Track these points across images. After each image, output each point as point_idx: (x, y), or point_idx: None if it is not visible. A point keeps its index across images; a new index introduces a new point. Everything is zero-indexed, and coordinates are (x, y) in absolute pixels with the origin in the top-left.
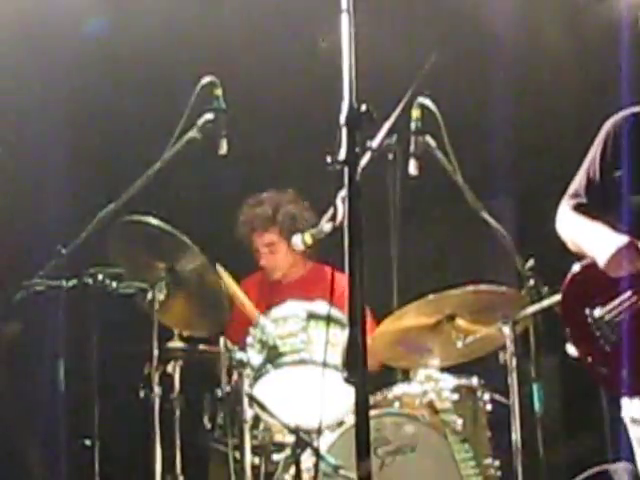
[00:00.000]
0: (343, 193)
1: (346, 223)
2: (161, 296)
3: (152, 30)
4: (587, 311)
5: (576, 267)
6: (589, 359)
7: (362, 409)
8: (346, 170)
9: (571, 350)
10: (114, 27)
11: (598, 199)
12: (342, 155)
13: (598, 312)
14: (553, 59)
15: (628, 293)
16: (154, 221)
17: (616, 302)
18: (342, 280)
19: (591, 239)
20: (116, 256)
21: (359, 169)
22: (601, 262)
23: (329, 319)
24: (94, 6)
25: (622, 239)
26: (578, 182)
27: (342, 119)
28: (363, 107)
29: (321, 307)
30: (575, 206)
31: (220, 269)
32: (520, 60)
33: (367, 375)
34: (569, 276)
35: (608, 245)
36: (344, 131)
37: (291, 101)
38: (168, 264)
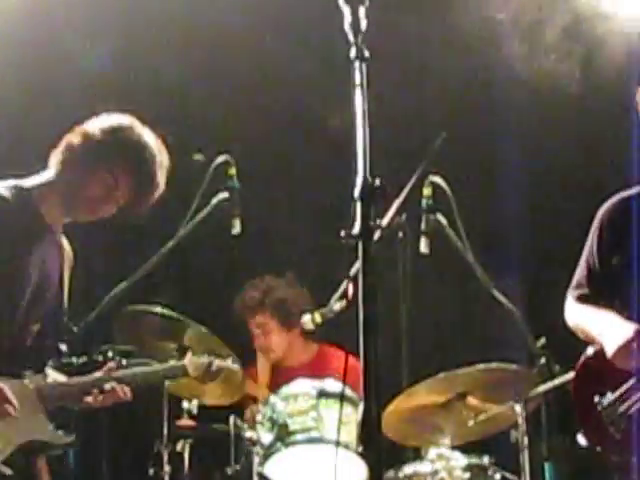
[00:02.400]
0: (354, 270)
1: (361, 298)
2: None
3: (165, 107)
4: (597, 399)
5: (590, 351)
6: (599, 448)
7: None
8: (360, 244)
9: (581, 439)
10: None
11: (600, 287)
12: (356, 229)
13: (608, 400)
14: (566, 137)
15: (633, 380)
16: (159, 309)
17: (624, 389)
18: (351, 360)
19: (598, 330)
20: (123, 338)
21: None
22: (609, 353)
23: (342, 397)
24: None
25: (629, 330)
26: (580, 272)
27: (356, 193)
28: (377, 181)
29: (331, 385)
30: (579, 297)
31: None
32: (531, 139)
33: (381, 452)
34: (582, 359)
35: (615, 336)
36: (358, 205)
37: (302, 179)
38: (177, 343)
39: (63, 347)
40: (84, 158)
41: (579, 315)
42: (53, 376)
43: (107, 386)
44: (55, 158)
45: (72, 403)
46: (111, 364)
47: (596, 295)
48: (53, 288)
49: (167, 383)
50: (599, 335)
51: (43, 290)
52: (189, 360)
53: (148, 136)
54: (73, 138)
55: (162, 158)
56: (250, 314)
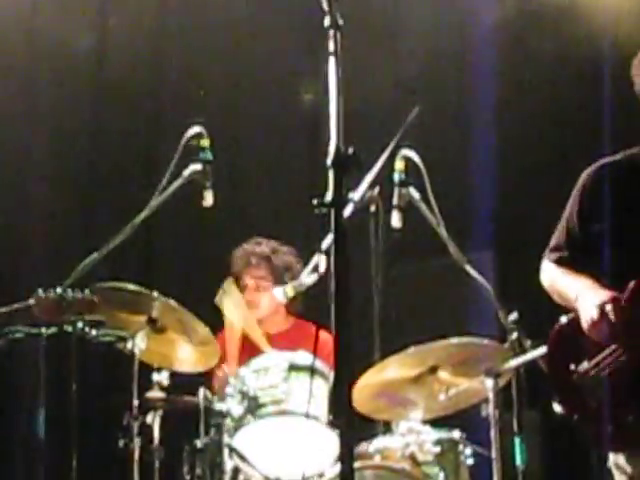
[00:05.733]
0: (326, 244)
1: (333, 267)
2: (142, 345)
3: (139, 77)
4: (572, 367)
5: (563, 319)
6: (575, 416)
7: (347, 456)
8: (333, 213)
9: (557, 408)
10: (99, 78)
11: (579, 252)
12: (329, 197)
13: (583, 367)
14: (535, 110)
15: (612, 347)
16: (131, 287)
17: (600, 357)
18: (324, 335)
19: (574, 293)
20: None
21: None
22: (584, 321)
23: (312, 370)
24: (80, 45)
25: (604, 296)
26: (559, 235)
27: (329, 161)
28: (350, 150)
29: (302, 358)
30: (557, 260)
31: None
32: (504, 111)
33: (352, 421)
34: (555, 328)
35: (591, 301)
36: (331, 173)
37: (275, 148)
38: (146, 315)
39: None
40: None
41: (557, 277)
42: None
43: None
44: None
45: None
46: None
47: (574, 260)
48: None
49: (137, 354)
50: (575, 299)
51: None
52: (35, 296)
53: None
54: None
55: None
56: (250, 266)
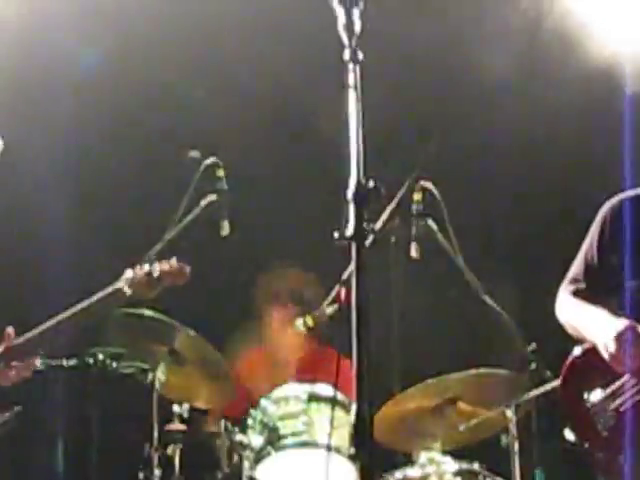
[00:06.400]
0: (346, 274)
1: (353, 301)
2: (162, 377)
3: (154, 113)
4: (585, 395)
5: (577, 351)
6: (586, 444)
7: None
8: (354, 247)
9: (569, 435)
10: (116, 104)
11: (597, 284)
12: (349, 231)
13: (596, 396)
14: (557, 141)
15: (626, 377)
16: (149, 312)
17: (614, 387)
18: (344, 364)
19: (590, 325)
20: (115, 343)
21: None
22: (601, 348)
23: (334, 401)
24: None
25: (620, 325)
26: (577, 267)
27: (349, 195)
28: (371, 183)
29: (322, 389)
30: (574, 291)
31: None
32: (523, 145)
33: (373, 454)
34: (569, 359)
35: (607, 331)
36: (351, 207)
37: (293, 180)
38: (168, 346)
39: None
40: None
41: (572, 310)
42: None
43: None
44: None
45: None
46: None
47: (592, 291)
48: None
49: (157, 386)
50: (590, 331)
51: None
52: (123, 278)
53: None
54: None
55: None
56: (280, 304)
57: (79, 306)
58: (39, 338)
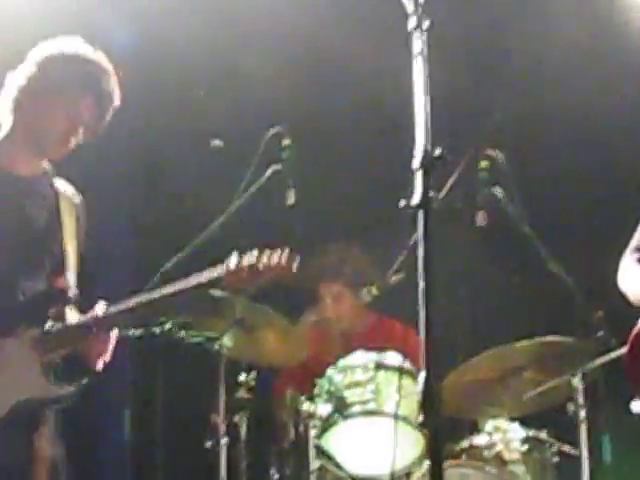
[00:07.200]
0: (411, 243)
1: (420, 269)
2: (230, 344)
3: (217, 80)
4: None
5: None
6: None
7: (436, 455)
8: (420, 215)
9: (636, 407)
10: (177, 80)
11: None
12: (416, 199)
13: None
14: (618, 110)
15: None
16: (217, 293)
17: None
18: (408, 333)
19: None
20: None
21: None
22: None
23: (401, 370)
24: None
25: None
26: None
27: (416, 163)
28: (437, 151)
29: (390, 357)
30: (638, 260)
31: None
32: (587, 111)
33: (442, 422)
34: (636, 328)
35: None
36: (418, 175)
37: (358, 149)
38: (232, 317)
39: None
40: (39, 94)
41: (635, 277)
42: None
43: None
44: (5, 107)
45: (72, 349)
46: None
47: None
48: (44, 240)
49: (225, 351)
50: None
51: (28, 244)
52: (226, 265)
53: (93, 51)
54: (20, 78)
55: (110, 68)
56: (325, 281)
57: (172, 287)
58: (127, 313)
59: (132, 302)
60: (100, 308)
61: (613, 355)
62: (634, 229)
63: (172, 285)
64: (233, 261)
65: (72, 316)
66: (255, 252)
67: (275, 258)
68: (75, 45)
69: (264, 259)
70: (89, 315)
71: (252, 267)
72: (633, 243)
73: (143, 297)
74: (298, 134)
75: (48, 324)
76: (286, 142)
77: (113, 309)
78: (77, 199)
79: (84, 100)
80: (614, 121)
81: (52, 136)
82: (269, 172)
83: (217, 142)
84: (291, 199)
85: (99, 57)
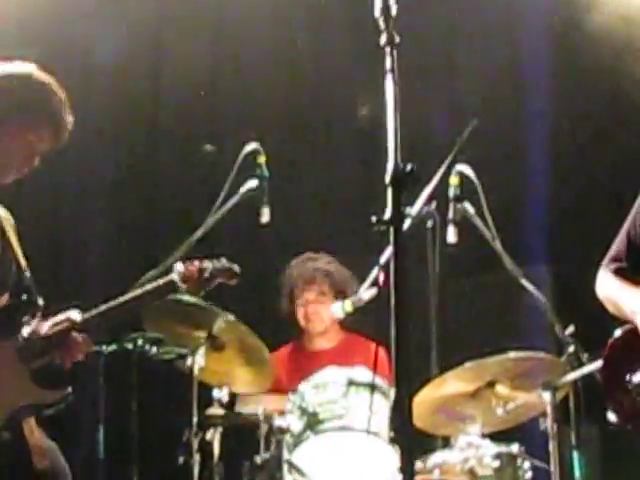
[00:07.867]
0: (384, 258)
1: (392, 284)
2: (201, 361)
3: (194, 95)
4: (627, 377)
5: (618, 332)
6: (629, 426)
7: (408, 471)
8: (392, 230)
9: (612, 417)
10: (155, 91)
11: (639, 263)
12: (387, 215)
13: (638, 378)
14: (590, 124)
15: None
16: (188, 298)
17: None
18: (373, 349)
19: (632, 304)
20: (152, 328)
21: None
22: None
23: (373, 387)
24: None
25: None
26: (618, 246)
27: (387, 178)
28: (409, 167)
29: (361, 374)
30: (615, 270)
31: None
32: (559, 125)
33: (413, 438)
34: (610, 341)
35: None
36: (389, 191)
37: (331, 164)
38: (206, 331)
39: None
40: None
41: (614, 287)
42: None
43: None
44: None
45: (54, 357)
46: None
47: (634, 271)
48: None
49: (196, 372)
50: (630, 310)
51: None
52: (175, 271)
53: (45, 77)
54: None
55: (63, 95)
56: (307, 284)
57: (131, 294)
58: (99, 318)
59: (103, 308)
60: (74, 315)
61: (584, 370)
62: (608, 241)
63: (134, 291)
64: (180, 266)
65: (43, 325)
66: (197, 262)
67: (218, 264)
68: (32, 71)
69: (209, 265)
70: (64, 322)
71: (200, 272)
72: (610, 253)
73: (112, 303)
74: (274, 150)
75: (23, 332)
76: (261, 159)
77: (86, 315)
78: (9, 217)
79: (43, 128)
80: (590, 126)
81: (10, 166)
82: (244, 189)
83: (209, 146)
84: (265, 217)
85: (51, 81)
